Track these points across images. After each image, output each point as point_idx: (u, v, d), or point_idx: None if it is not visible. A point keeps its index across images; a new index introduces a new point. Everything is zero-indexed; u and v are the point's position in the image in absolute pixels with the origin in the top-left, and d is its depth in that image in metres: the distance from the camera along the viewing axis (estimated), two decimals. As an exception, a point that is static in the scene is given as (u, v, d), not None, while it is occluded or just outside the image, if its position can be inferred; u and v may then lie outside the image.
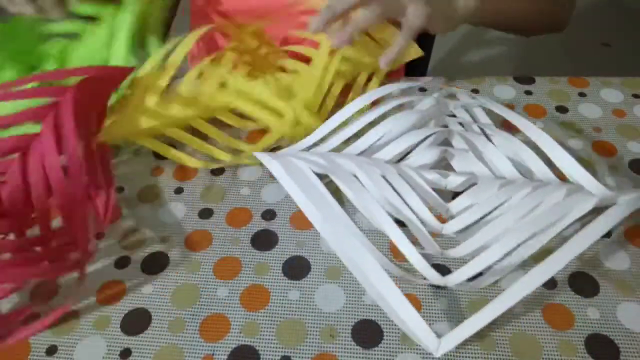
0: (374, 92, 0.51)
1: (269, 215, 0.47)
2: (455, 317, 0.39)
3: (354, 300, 0.40)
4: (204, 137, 0.52)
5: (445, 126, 0.51)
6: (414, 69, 0.80)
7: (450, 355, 0.37)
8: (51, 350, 0.38)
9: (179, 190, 0.49)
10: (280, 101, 0.50)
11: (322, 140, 0.50)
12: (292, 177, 0.45)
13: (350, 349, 0.38)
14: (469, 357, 0.37)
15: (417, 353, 0.37)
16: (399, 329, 0.39)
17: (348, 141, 0.50)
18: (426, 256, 0.41)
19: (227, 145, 0.52)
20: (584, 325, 0.38)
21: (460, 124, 0.51)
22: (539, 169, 0.46)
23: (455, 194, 0.46)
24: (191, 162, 0.50)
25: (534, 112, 0.55)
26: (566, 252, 0.38)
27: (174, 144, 0.52)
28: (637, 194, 0.42)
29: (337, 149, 0.50)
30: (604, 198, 0.42)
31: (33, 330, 0.39)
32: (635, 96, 0.57)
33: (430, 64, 0.84)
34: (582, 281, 0.41)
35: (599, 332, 0.38)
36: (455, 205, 0.45)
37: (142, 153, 0.53)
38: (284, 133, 0.51)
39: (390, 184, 0.44)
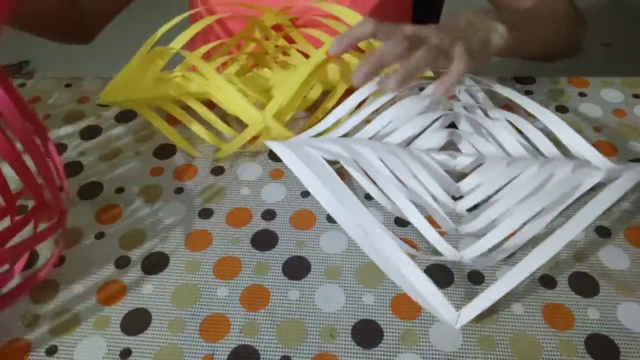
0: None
1: (269, 215, 0.47)
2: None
3: (354, 300, 0.40)
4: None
5: (451, 110, 0.52)
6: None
7: (451, 355, 0.37)
8: (51, 350, 0.38)
9: (179, 190, 0.49)
10: (253, 109, 0.50)
11: (332, 126, 0.51)
12: (305, 164, 0.45)
13: (350, 349, 0.38)
14: (469, 357, 0.37)
15: (416, 353, 0.37)
16: (399, 329, 0.39)
17: (357, 126, 0.50)
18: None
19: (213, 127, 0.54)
20: (584, 325, 0.38)
21: (465, 107, 0.52)
22: (545, 145, 0.47)
23: (463, 176, 0.47)
24: (180, 142, 0.53)
25: (534, 112, 0.55)
26: (576, 222, 0.38)
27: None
28: None
29: (347, 135, 0.50)
30: (610, 171, 0.43)
31: (14, 297, 0.39)
32: (635, 96, 0.57)
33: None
34: (582, 281, 0.41)
35: (599, 332, 0.38)
36: (465, 184, 0.46)
37: (142, 153, 0.53)
38: (255, 133, 0.51)
39: (404, 165, 0.45)
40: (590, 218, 0.38)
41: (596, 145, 0.51)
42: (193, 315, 0.40)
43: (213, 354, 0.38)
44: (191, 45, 0.73)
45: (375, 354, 0.37)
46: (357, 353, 0.38)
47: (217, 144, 0.52)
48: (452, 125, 0.51)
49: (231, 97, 0.50)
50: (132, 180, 0.50)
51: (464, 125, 0.51)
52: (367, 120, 0.50)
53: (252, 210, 0.47)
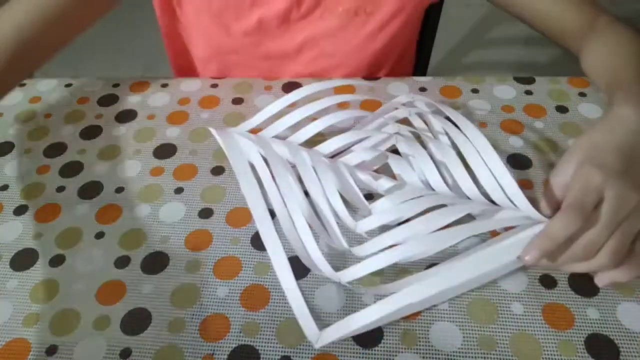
0: (319, 85, 0.52)
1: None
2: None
3: (354, 300, 0.40)
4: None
5: (397, 133, 0.51)
6: (415, 69, 0.80)
7: (451, 355, 0.37)
8: (51, 350, 0.38)
9: (179, 190, 0.49)
10: None
11: (269, 122, 0.52)
12: (229, 152, 0.47)
13: (350, 348, 0.38)
14: (469, 357, 0.37)
15: (416, 353, 0.37)
16: (399, 328, 0.39)
17: (297, 127, 0.51)
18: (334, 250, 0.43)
19: None
20: (584, 325, 0.39)
21: (414, 131, 0.51)
22: (467, 186, 0.46)
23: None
24: None
25: (534, 112, 0.55)
26: (467, 268, 0.37)
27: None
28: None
29: (284, 134, 0.51)
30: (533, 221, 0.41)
31: None
32: (635, 96, 0.56)
33: (430, 64, 0.84)
34: (582, 281, 0.41)
35: (599, 332, 0.38)
36: (376, 206, 0.45)
37: (142, 153, 0.53)
38: None
39: (317, 175, 0.45)
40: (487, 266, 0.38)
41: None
42: (193, 315, 0.40)
43: (213, 354, 0.38)
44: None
45: (375, 354, 0.37)
46: (357, 353, 0.38)
47: None
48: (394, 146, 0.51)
49: None
50: (132, 180, 0.50)
51: (403, 149, 0.50)
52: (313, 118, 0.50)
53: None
